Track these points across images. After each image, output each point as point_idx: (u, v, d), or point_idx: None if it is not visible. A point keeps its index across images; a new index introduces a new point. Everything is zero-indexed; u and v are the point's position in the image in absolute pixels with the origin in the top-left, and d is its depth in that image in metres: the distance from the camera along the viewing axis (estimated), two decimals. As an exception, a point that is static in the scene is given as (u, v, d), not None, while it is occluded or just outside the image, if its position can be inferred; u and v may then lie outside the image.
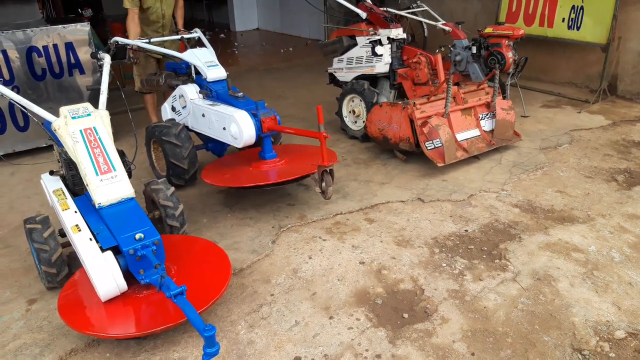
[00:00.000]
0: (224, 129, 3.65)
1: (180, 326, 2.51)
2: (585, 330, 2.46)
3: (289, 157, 3.80)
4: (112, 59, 3.56)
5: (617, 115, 5.46)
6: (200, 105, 3.90)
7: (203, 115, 3.87)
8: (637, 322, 2.51)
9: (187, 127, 4.06)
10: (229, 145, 3.94)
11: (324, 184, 3.32)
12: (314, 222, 3.55)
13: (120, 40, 4.05)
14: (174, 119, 4.13)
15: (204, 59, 4.06)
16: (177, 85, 4.19)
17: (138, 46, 4.22)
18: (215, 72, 4.01)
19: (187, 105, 4.05)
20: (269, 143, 3.71)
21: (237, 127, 3.51)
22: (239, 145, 3.59)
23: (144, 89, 4.90)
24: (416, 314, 2.62)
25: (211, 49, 4.26)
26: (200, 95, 4.03)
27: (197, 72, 4.12)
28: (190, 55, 4.10)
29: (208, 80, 3.98)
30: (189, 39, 4.58)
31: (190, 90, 4.04)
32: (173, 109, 4.26)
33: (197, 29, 4.59)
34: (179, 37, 4.56)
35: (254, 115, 3.56)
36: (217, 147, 4.28)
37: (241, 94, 3.86)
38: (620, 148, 4.58)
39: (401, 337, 2.46)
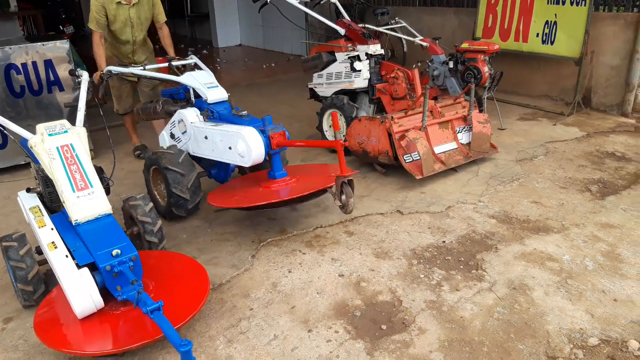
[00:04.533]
0: (230, 148, 3.42)
1: (158, 342, 2.50)
2: (559, 338, 2.51)
3: (299, 175, 3.60)
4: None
5: (591, 127, 5.59)
6: (201, 127, 3.66)
7: (206, 138, 3.62)
8: (609, 329, 2.56)
9: (188, 154, 3.84)
10: (233, 170, 3.83)
11: (343, 197, 3.16)
12: (294, 235, 3.57)
13: (114, 69, 3.94)
14: (175, 145, 3.86)
15: (203, 81, 3.87)
16: (175, 111, 3.97)
17: (132, 73, 4.07)
18: (215, 93, 3.82)
19: (187, 130, 3.78)
20: (278, 160, 3.50)
21: (245, 144, 3.28)
22: (248, 164, 3.36)
23: (140, 118, 4.59)
24: (394, 325, 2.65)
25: (209, 71, 4.09)
26: (201, 118, 3.79)
27: (197, 96, 3.95)
28: (189, 78, 3.91)
29: (209, 102, 3.77)
30: (184, 65, 4.38)
31: (190, 114, 3.79)
32: (172, 136, 3.99)
33: (192, 55, 4.41)
34: (175, 64, 4.32)
35: (261, 132, 3.38)
36: (220, 174, 4.03)
37: (245, 112, 3.67)
38: (594, 159, 4.69)
39: (379, 349, 2.48)
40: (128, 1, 4.57)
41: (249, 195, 3.47)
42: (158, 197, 3.93)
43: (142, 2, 4.66)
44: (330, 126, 5.09)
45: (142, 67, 4.09)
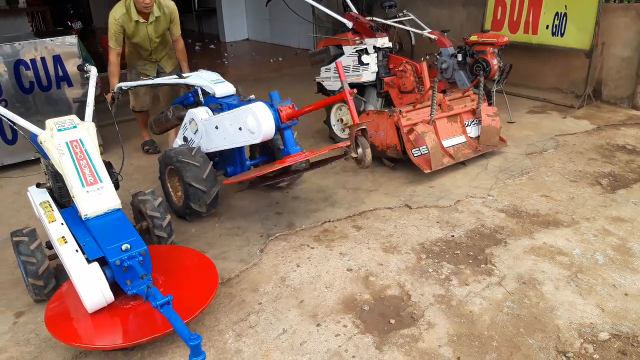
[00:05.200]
0: (240, 129, 3.38)
1: (168, 336, 2.51)
2: (570, 332, 2.49)
3: (312, 151, 3.51)
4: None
5: (601, 119, 5.53)
6: (211, 119, 3.65)
7: (216, 128, 3.59)
8: (620, 323, 2.54)
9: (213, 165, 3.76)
10: (249, 168, 3.83)
11: (359, 150, 3.05)
12: (302, 230, 3.57)
13: (124, 85, 3.93)
14: (199, 151, 3.66)
15: (210, 78, 3.91)
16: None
17: (142, 85, 4.11)
18: (223, 87, 3.80)
19: (198, 128, 3.75)
20: (290, 135, 3.43)
21: (255, 118, 3.24)
22: (258, 140, 3.31)
23: (154, 132, 4.54)
24: (403, 319, 2.64)
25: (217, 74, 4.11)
26: (211, 114, 3.76)
27: (206, 96, 3.94)
28: (195, 78, 3.95)
29: (217, 96, 3.76)
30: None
31: (200, 112, 3.77)
32: (185, 139, 3.95)
33: (201, 69, 4.31)
34: (183, 80, 4.16)
35: (270, 106, 3.35)
36: (237, 170, 3.96)
37: (252, 96, 3.68)
38: (604, 152, 4.64)
39: (388, 343, 2.48)
40: (146, 19, 4.57)
41: (265, 169, 3.40)
42: (172, 192, 3.84)
43: (160, 19, 4.65)
44: (337, 120, 5.08)
45: (151, 77, 4.11)
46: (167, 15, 4.69)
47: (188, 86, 4.15)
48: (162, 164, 3.83)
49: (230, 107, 3.70)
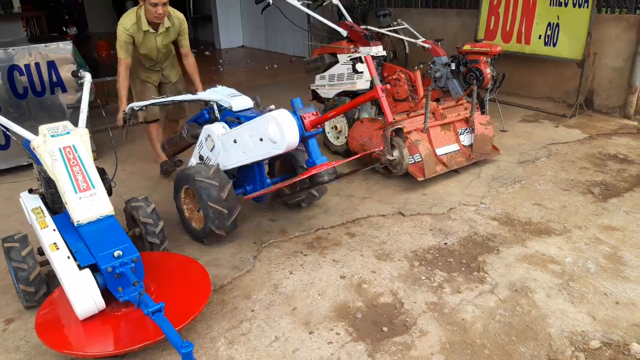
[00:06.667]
0: (261, 139, 3.16)
1: (159, 344, 2.50)
2: (561, 340, 2.50)
3: (339, 160, 3.35)
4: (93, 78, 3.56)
5: (593, 129, 5.58)
6: (229, 132, 3.46)
7: (235, 142, 3.38)
8: (611, 331, 2.55)
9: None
10: (270, 185, 3.67)
11: (396, 152, 2.78)
12: (296, 237, 3.57)
13: (136, 105, 3.74)
14: (231, 193, 3.41)
15: (225, 92, 3.73)
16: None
17: (153, 104, 3.89)
18: (240, 101, 3.62)
19: (215, 144, 3.55)
20: (315, 144, 3.22)
21: (277, 126, 3.03)
22: (281, 150, 3.09)
23: (167, 154, 4.37)
24: (395, 327, 2.65)
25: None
26: (228, 129, 3.56)
27: (221, 111, 3.77)
28: (210, 93, 3.80)
29: (234, 110, 3.59)
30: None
31: (217, 127, 3.58)
32: (201, 158, 3.76)
33: (217, 84, 4.11)
34: (197, 96, 4.01)
35: (293, 113, 3.17)
36: (256, 189, 3.72)
37: (272, 106, 3.42)
38: (596, 161, 4.68)
39: (380, 351, 2.48)
40: (155, 30, 4.42)
41: (290, 181, 3.24)
42: (191, 220, 3.64)
43: (169, 30, 4.51)
44: (332, 127, 5.10)
45: (164, 96, 3.96)
46: (177, 26, 4.56)
47: (204, 102, 3.96)
48: (176, 190, 3.65)
49: (248, 119, 3.47)
